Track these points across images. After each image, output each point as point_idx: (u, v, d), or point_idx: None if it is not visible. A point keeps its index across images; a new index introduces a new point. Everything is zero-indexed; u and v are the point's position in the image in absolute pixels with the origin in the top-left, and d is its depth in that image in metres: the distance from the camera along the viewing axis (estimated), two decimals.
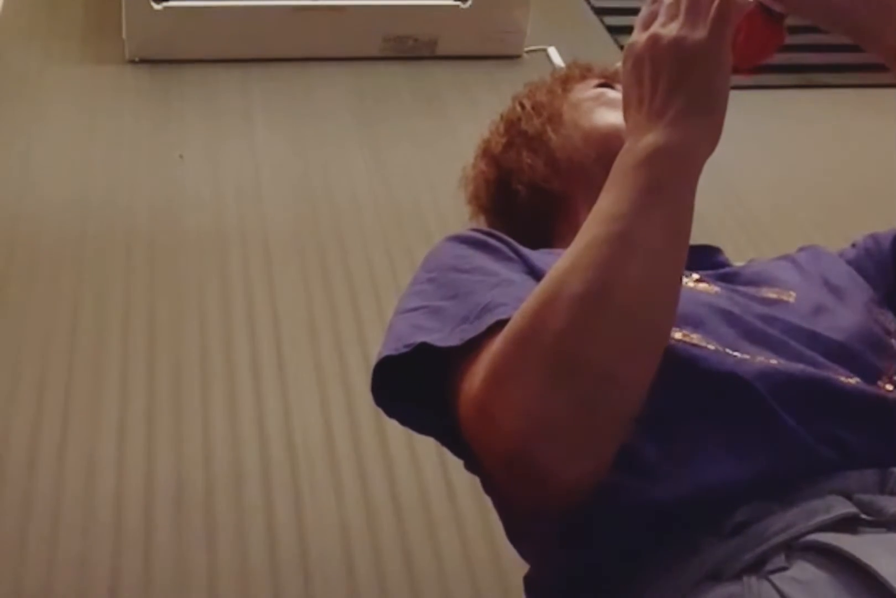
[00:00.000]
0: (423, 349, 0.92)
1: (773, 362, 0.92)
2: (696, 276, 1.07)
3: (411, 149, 2.44)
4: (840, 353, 0.97)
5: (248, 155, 2.36)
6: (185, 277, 2.00)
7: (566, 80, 1.33)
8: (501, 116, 1.36)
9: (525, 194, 1.25)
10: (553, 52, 2.86)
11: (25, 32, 2.76)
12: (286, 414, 1.73)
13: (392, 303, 1.97)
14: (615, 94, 1.26)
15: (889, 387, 0.95)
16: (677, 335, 0.92)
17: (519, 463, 0.81)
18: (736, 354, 0.92)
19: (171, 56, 2.65)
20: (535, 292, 0.85)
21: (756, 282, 1.12)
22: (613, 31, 3.03)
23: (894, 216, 2.47)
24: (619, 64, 1.25)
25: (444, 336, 0.91)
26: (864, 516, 0.82)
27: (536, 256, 1.05)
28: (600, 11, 3.12)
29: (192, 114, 2.49)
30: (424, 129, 2.51)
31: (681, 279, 0.87)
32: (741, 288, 1.08)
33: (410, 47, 2.77)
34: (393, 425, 1.73)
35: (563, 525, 0.89)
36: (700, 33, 0.87)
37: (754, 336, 0.95)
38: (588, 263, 0.83)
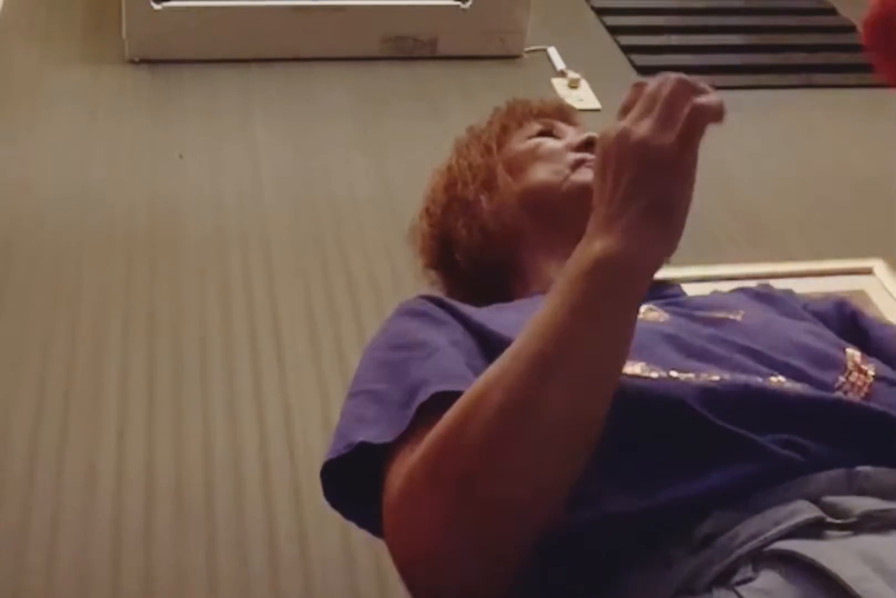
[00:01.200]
0: (364, 447, 0.92)
1: (716, 377, 0.92)
2: (646, 306, 1.06)
3: (411, 149, 2.44)
4: (785, 367, 0.96)
5: (248, 155, 2.36)
6: (185, 277, 2.00)
7: (503, 130, 1.31)
8: (441, 171, 1.36)
9: (465, 264, 1.26)
10: (553, 52, 2.86)
11: (25, 32, 2.76)
12: (286, 414, 1.73)
13: (392, 302, 1.97)
14: (552, 144, 1.26)
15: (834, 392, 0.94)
16: (631, 369, 0.92)
17: (416, 578, 0.86)
18: (680, 375, 0.92)
19: (171, 56, 2.65)
20: (460, 402, 0.83)
21: (706, 306, 1.12)
22: (613, 31, 3.02)
23: (894, 216, 2.49)
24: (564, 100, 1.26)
25: (381, 430, 0.92)
26: (829, 519, 0.81)
27: (483, 315, 1.05)
28: (600, 11, 3.12)
29: (192, 114, 2.49)
30: (424, 129, 2.50)
31: (612, 391, 0.83)
32: (691, 312, 1.08)
33: (410, 47, 2.77)
34: None
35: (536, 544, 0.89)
36: (668, 138, 0.82)
37: (698, 355, 0.95)
38: (510, 381, 0.81)
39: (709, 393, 0.90)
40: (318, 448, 1.68)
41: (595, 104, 2.66)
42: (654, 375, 0.92)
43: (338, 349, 1.87)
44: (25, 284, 1.95)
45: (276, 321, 1.91)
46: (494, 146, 1.30)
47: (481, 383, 0.83)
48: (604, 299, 0.82)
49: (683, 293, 1.22)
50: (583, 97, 2.68)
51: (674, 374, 0.92)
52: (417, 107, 2.59)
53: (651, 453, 0.88)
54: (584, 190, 1.15)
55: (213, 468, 1.63)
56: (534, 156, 1.25)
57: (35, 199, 2.18)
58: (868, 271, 2.15)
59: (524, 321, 0.86)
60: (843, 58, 3.00)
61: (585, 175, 1.19)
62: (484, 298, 1.23)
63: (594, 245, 0.83)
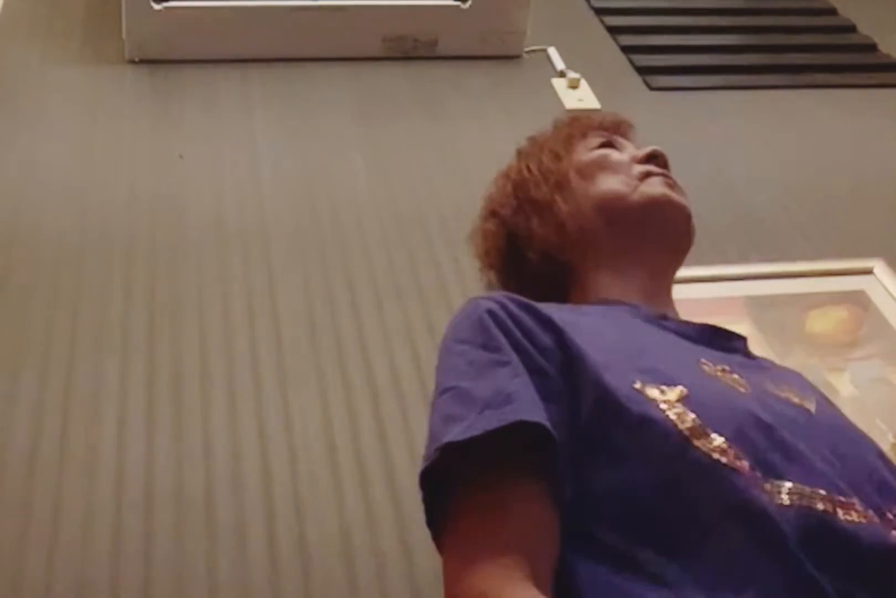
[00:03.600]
0: (449, 447, 0.93)
1: (794, 496, 0.91)
2: (720, 366, 1.06)
3: (411, 149, 2.44)
4: (855, 481, 0.96)
5: (248, 155, 2.36)
6: (185, 277, 2.00)
7: (568, 139, 1.34)
8: (507, 176, 1.37)
9: (537, 262, 1.27)
10: (553, 52, 2.86)
11: (25, 32, 2.76)
12: (286, 414, 1.73)
13: (392, 302, 1.99)
14: (618, 156, 1.30)
15: (892, 531, 0.94)
16: (717, 442, 0.91)
17: None
18: (767, 484, 0.91)
19: (171, 56, 2.65)
20: None
21: (777, 379, 1.11)
22: (613, 31, 3.03)
23: (894, 216, 2.49)
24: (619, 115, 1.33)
25: (466, 426, 0.92)
26: None
27: (570, 323, 1.03)
28: (600, 11, 3.12)
29: (192, 114, 2.49)
30: (424, 129, 2.51)
31: None
32: (764, 382, 1.07)
33: (410, 47, 2.77)
34: (393, 425, 1.74)
35: None
36: None
37: (786, 452, 0.94)
38: None
39: (797, 520, 0.89)
40: (317, 448, 1.68)
41: (595, 104, 2.66)
42: (746, 465, 0.91)
43: (337, 348, 1.87)
44: (25, 283, 1.95)
45: (275, 321, 1.91)
46: (563, 153, 1.32)
47: None
48: None
49: (744, 349, 1.20)
50: (582, 97, 2.68)
51: (759, 474, 0.91)
52: (417, 107, 2.59)
53: (712, 552, 0.88)
54: (652, 201, 1.23)
55: (213, 468, 1.63)
56: (602, 165, 1.28)
57: (35, 198, 2.18)
58: (868, 271, 2.15)
59: (609, 331, 0.93)
60: (843, 58, 3.01)
61: (653, 187, 1.25)
62: (541, 299, 1.24)
63: None
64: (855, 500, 0.93)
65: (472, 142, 2.48)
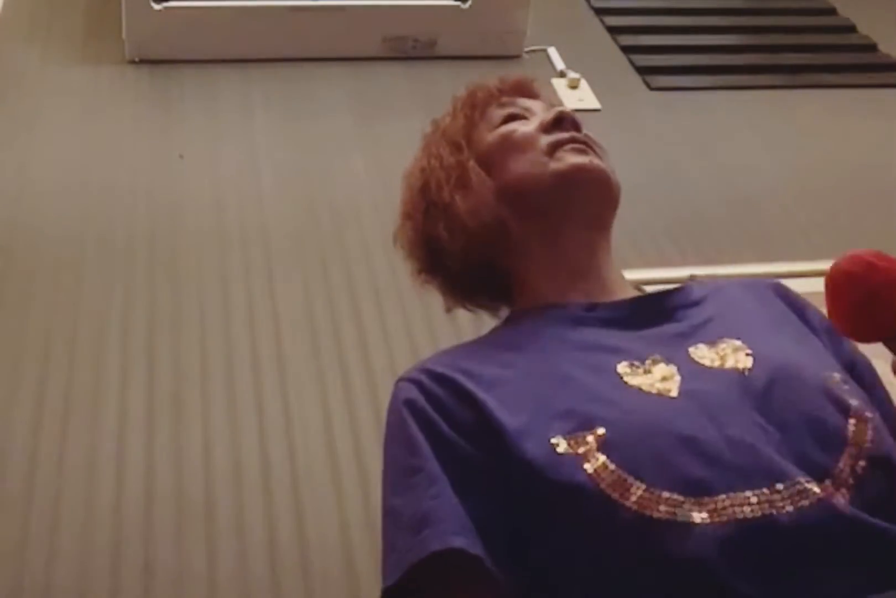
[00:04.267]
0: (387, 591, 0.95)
1: (731, 502, 0.91)
2: (654, 357, 1.03)
3: (411, 149, 2.43)
4: (796, 446, 0.95)
5: (248, 155, 2.36)
6: (185, 277, 2.00)
7: (468, 123, 1.24)
8: (413, 174, 1.30)
9: (456, 266, 1.21)
10: (553, 52, 2.86)
11: (25, 32, 2.76)
12: (286, 414, 1.73)
13: (391, 302, 1.99)
14: (522, 130, 1.18)
15: (836, 493, 0.93)
16: (639, 492, 0.91)
17: None
18: (694, 511, 0.90)
19: (171, 56, 2.65)
20: None
21: (713, 334, 1.07)
22: (613, 31, 3.03)
23: (894, 216, 2.49)
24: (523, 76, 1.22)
25: (392, 567, 0.95)
26: None
27: (487, 387, 1.02)
28: (600, 11, 3.12)
29: (192, 114, 2.49)
30: (424, 129, 2.50)
31: None
32: (698, 354, 1.05)
33: (410, 47, 2.77)
34: None
35: None
36: None
37: (712, 462, 0.93)
38: None
39: (727, 545, 0.89)
40: (317, 448, 1.68)
41: (595, 104, 2.66)
42: (663, 510, 0.91)
43: (337, 348, 1.87)
44: (26, 283, 1.95)
45: (275, 321, 1.91)
46: (463, 142, 1.22)
47: None
48: None
49: (687, 300, 1.15)
50: (583, 97, 2.69)
51: (687, 507, 0.91)
52: (417, 107, 2.59)
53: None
54: (563, 177, 1.13)
55: (212, 468, 1.63)
56: (506, 147, 1.18)
57: (35, 198, 2.18)
58: None
59: (531, 378, 0.96)
60: (843, 58, 3.01)
61: (562, 160, 1.14)
62: (481, 299, 1.22)
63: None
64: (799, 477, 0.92)
65: None
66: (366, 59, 2.74)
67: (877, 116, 2.73)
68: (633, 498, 0.91)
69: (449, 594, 0.96)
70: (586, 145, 1.16)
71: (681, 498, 0.91)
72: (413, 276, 1.28)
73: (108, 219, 2.14)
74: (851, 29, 3.16)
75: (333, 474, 1.64)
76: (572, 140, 1.16)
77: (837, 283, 0.99)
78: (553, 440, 0.96)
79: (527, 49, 2.84)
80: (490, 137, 1.20)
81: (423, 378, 1.03)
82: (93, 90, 2.55)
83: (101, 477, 1.60)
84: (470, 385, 1.01)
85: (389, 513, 1.00)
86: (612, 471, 0.93)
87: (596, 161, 1.16)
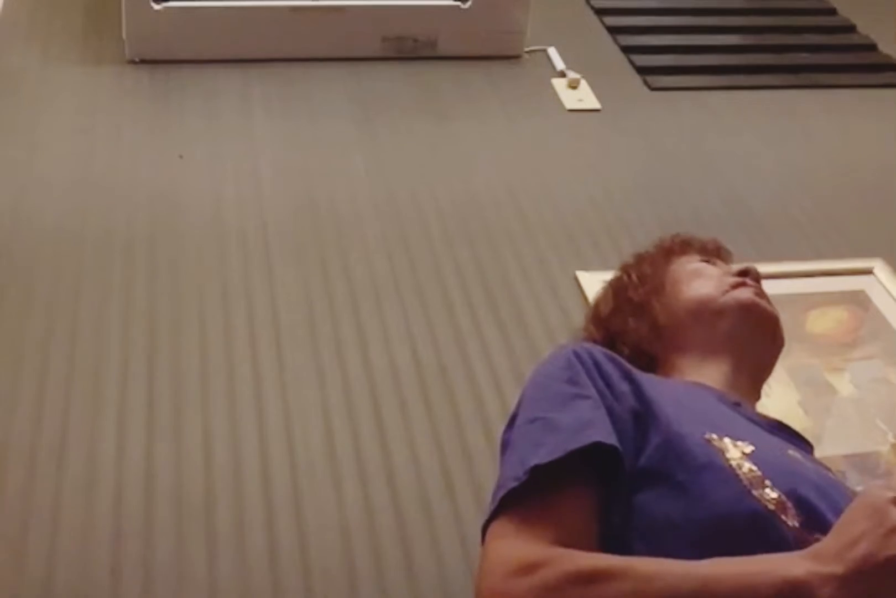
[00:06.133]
0: (537, 469, 1.00)
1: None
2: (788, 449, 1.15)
3: (411, 149, 2.44)
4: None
5: (248, 155, 2.36)
6: (185, 277, 2.00)
7: (668, 253, 1.47)
8: (609, 284, 1.50)
9: (628, 355, 1.34)
10: (553, 52, 2.86)
11: (25, 32, 2.76)
12: (286, 414, 1.73)
13: (391, 302, 1.99)
14: (713, 269, 1.42)
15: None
16: (773, 495, 0.99)
17: None
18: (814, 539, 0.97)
19: (171, 56, 2.65)
20: (592, 573, 0.90)
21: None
22: (613, 31, 3.03)
23: (894, 216, 2.49)
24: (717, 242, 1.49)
25: (550, 449, 1.00)
26: None
27: (646, 381, 1.13)
28: (600, 11, 3.12)
29: (192, 114, 2.49)
30: (424, 129, 2.51)
31: None
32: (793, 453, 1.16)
33: (410, 47, 2.77)
34: (393, 425, 1.74)
35: None
36: None
37: (836, 511, 1.00)
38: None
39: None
40: (317, 447, 1.68)
41: (595, 104, 2.66)
42: (791, 520, 0.99)
43: (337, 348, 1.87)
44: (26, 283, 1.95)
45: (275, 320, 1.91)
46: (662, 262, 1.45)
47: (624, 570, 0.91)
48: None
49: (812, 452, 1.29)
50: (582, 97, 2.69)
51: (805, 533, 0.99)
52: (417, 107, 2.59)
53: None
54: (741, 305, 1.33)
55: (213, 468, 1.63)
56: (698, 274, 1.41)
57: (35, 198, 2.18)
58: (868, 271, 2.15)
59: (685, 397, 1.10)
60: (843, 58, 3.01)
61: (743, 293, 1.35)
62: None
63: (805, 569, 0.88)
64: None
65: (471, 142, 2.48)
66: (366, 59, 2.74)
67: (877, 116, 2.73)
68: (769, 497, 0.99)
69: (586, 491, 1.00)
70: (765, 296, 1.39)
71: (801, 517, 0.99)
72: (576, 338, 1.49)
73: (108, 219, 2.13)
74: (851, 29, 3.16)
75: (333, 474, 1.64)
76: (757, 287, 1.39)
77: None
78: (706, 436, 1.06)
79: (527, 49, 2.84)
80: (686, 265, 1.43)
81: (593, 349, 1.15)
82: (93, 90, 2.55)
83: (101, 477, 1.60)
84: (634, 371, 1.13)
85: (539, 421, 1.05)
86: (754, 472, 1.02)
87: (772, 308, 1.37)
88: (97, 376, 1.77)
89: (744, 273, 1.40)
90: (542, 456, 0.99)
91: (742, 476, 1.00)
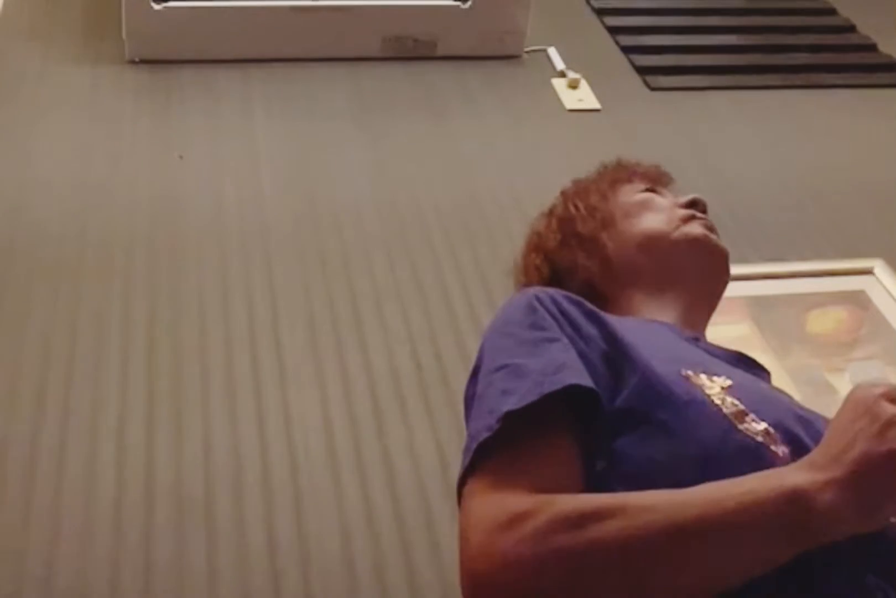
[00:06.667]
0: (509, 416, 0.94)
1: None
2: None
3: (411, 149, 2.44)
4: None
5: (248, 155, 2.36)
6: (184, 278, 2.00)
7: (614, 182, 1.40)
8: (551, 213, 1.43)
9: (576, 292, 1.27)
10: (553, 52, 2.86)
11: (25, 32, 2.76)
12: (286, 414, 1.74)
13: (391, 302, 1.99)
14: (661, 200, 1.37)
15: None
16: (760, 426, 0.97)
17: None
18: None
19: (171, 56, 2.65)
20: (586, 514, 0.86)
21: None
22: (613, 31, 3.03)
23: (894, 216, 2.49)
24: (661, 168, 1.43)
25: (522, 394, 0.95)
26: None
27: (615, 322, 1.09)
28: (600, 11, 3.12)
29: (192, 114, 2.49)
30: (424, 129, 2.51)
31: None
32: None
33: (410, 47, 2.77)
34: (393, 425, 1.74)
35: None
36: None
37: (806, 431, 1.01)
38: (643, 534, 0.85)
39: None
40: (317, 447, 1.68)
41: (595, 104, 2.66)
42: (781, 450, 0.97)
43: (337, 348, 1.87)
44: (26, 284, 1.95)
45: (275, 321, 1.91)
46: (609, 193, 1.38)
47: (614, 507, 0.87)
48: (774, 529, 0.85)
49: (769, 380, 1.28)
50: (582, 97, 2.69)
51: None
52: (417, 107, 2.59)
53: None
54: (693, 240, 1.30)
55: (213, 468, 1.63)
56: (646, 206, 1.35)
57: (35, 199, 2.18)
58: (868, 271, 2.15)
59: (651, 335, 1.06)
60: (843, 58, 3.01)
61: (694, 228, 1.32)
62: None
63: (803, 478, 0.86)
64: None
65: (471, 141, 2.48)
66: (366, 59, 2.74)
67: (877, 116, 2.73)
68: (755, 429, 0.97)
69: (565, 437, 0.95)
70: (714, 229, 1.35)
71: (789, 447, 0.97)
72: (517, 285, 1.42)
73: (108, 219, 2.14)
74: (851, 29, 3.16)
75: (333, 473, 1.64)
76: (705, 220, 1.35)
77: None
78: (683, 373, 1.03)
79: (527, 49, 2.84)
80: (633, 196, 1.37)
81: (555, 293, 1.09)
82: (93, 90, 2.55)
83: (102, 476, 1.60)
84: (598, 312, 1.08)
85: (505, 368, 1.00)
86: (736, 405, 0.99)
87: (723, 244, 1.34)
88: (97, 376, 1.77)
89: (692, 204, 1.36)
90: (513, 402, 0.93)
91: (726, 411, 0.98)
